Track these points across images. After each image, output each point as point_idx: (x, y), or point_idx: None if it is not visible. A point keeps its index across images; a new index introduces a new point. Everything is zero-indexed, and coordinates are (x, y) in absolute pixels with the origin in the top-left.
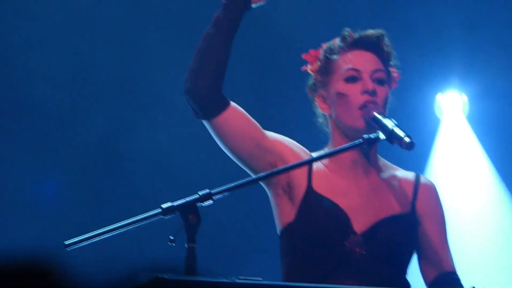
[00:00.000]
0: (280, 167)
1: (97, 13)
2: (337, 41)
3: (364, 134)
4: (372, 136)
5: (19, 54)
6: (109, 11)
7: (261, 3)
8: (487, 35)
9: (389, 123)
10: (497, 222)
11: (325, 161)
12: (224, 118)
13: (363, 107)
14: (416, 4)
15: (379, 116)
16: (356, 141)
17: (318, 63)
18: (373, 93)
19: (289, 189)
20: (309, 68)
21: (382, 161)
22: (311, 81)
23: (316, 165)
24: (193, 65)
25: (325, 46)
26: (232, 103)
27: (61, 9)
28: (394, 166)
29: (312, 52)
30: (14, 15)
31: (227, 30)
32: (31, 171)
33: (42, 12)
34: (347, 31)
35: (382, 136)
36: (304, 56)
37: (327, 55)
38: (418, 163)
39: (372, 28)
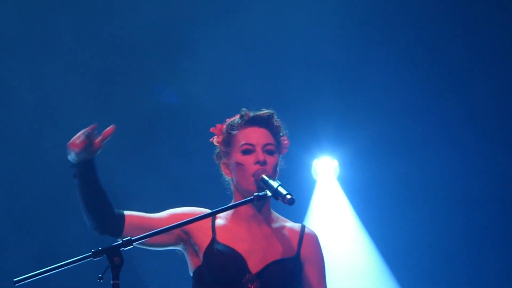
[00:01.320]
0: (185, 232)
1: None
2: (237, 118)
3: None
4: (261, 193)
5: None
6: None
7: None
8: (357, 104)
9: (274, 183)
10: (361, 258)
11: (228, 217)
12: (127, 231)
13: (255, 174)
14: (290, 77)
15: (266, 178)
16: (249, 198)
17: (222, 136)
18: (263, 163)
19: (195, 247)
20: (215, 140)
21: (275, 214)
22: (217, 150)
23: (218, 221)
24: (83, 213)
25: (228, 121)
26: (126, 215)
27: None
28: (285, 218)
29: (218, 126)
30: None
31: (88, 186)
32: None
33: None
34: (244, 110)
35: (269, 193)
36: (212, 129)
37: (229, 130)
38: (299, 215)
39: (263, 104)
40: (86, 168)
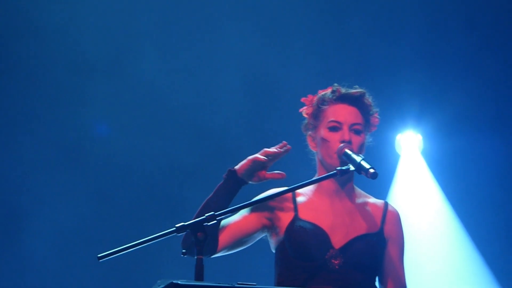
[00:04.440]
0: (268, 219)
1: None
2: (328, 92)
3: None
4: (344, 168)
5: None
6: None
7: (259, 181)
8: (442, 76)
9: (357, 158)
10: (447, 240)
11: (310, 192)
12: (221, 246)
13: (338, 150)
14: (375, 52)
15: (349, 152)
16: (331, 172)
17: (312, 108)
18: (349, 142)
19: (277, 229)
20: (304, 111)
21: (357, 190)
22: (305, 122)
23: (300, 198)
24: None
25: (320, 93)
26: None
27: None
28: (368, 194)
29: (310, 97)
30: None
31: (224, 201)
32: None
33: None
34: (336, 86)
35: (352, 168)
36: (303, 99)
37: (319, 104)
38: (383, 191)
39: (344, 78)
40: (236, 187)
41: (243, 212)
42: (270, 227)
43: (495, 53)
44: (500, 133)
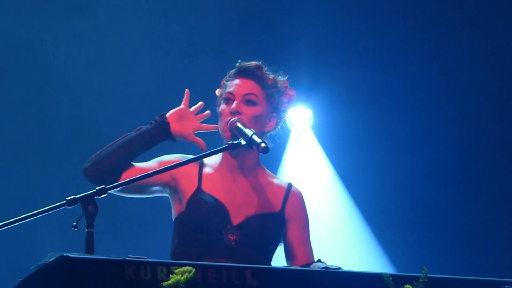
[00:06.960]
0: (173, 178)
1: None
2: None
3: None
4: (235, 142)
5: None
6: None
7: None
8: (332, 54)
9: (249, 132)
10: (336, 215)
11: (215, 166)
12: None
13: (229, 123)
14: (265, 25)
15: (241, 126)
16: (223, 146)
17: (221, 87)
18: (236, 112)
19: (180, 194)
20: (218, 91)
21: (265, 170)
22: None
23: (206, 169)
24: (100, 155)
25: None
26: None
27: None
28: (274, 175)
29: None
30: None
31: (143, 146)
32: None
33: None
34: (238, 62)
35: (243, 142)
36: (221, 81)
37: (224, 81)
38: (274, 165)
39: (236, 54)
40: (159, 139)
41: (150, 164)
42: (174, 188)
43: (384, 27)
44: (389, 108)
